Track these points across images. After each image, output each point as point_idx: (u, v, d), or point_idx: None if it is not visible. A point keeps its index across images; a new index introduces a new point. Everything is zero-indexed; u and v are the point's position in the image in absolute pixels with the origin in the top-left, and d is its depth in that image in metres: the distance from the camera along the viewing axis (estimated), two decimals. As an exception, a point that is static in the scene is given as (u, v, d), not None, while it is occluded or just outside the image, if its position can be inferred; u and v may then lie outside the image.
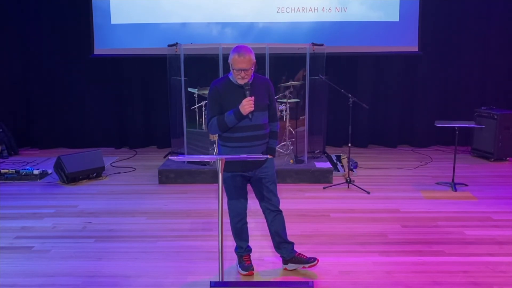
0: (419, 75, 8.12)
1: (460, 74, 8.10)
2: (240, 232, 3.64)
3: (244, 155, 3.28)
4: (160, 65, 7.40)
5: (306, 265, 3.64)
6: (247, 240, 3.69)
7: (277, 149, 3.90)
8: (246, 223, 3.66)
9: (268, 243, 4.12)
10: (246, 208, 3.62)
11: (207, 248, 4.09)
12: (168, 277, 3.60)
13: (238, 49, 3.30)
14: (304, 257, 3.65)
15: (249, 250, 3.70)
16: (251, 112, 3.29)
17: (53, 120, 8.24)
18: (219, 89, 3.39)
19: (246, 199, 3.61)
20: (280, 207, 3.61)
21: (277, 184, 3.63)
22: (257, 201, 3.63)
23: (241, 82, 3.34)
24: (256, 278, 3.59)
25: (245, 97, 3.29)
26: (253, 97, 3.30)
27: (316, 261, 3.63)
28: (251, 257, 3.71)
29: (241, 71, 3.28)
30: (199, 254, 3.99)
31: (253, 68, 3.35)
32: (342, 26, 7.77)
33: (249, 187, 3.60)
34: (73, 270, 3.72)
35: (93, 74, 8.17)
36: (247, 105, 3.26)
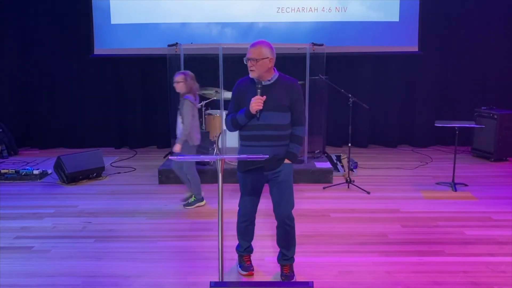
0: (419, 75, 8.13)
1: (460, 74, 8.10)
2: (243, 232, 3.62)
3: (253, 154, 3.24)
4: (160, 65, 7.41)
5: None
6: (248, 241, 3.67)
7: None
8: (252, 224, 3.60)
9: (269, 243, 4.12)
10: (254, 210, 3.55)
11: (207, 248, 4.09)
12: (168, 277, 3.60)
13: (254, 41, 3.32)
14: (285, 272, 3.54)
15: (249, 250, 3.69)
16: (259, 111, 3.25)
17: (53, 120, 8.24)
18: (240, 86, 3.39)
19: (256, 201, 3.53)
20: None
21: None
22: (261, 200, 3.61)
23: (251, 75, 3.30)
24: (256, 278, 3.59)
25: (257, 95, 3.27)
26: (264, 96, 3.24)
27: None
28: (252, 257, 3.70)
29: (249, 60, 3.27)
30: (199, 254, 3.99)
31: (265, 62, 3.24)
32: (342, 26, 7.77)
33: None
34: (73, 270, 3.72)
35: (93, 74, 8.17)
36: (254, 103, 3.22)
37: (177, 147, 4.91)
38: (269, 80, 3.33)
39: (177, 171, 5.21)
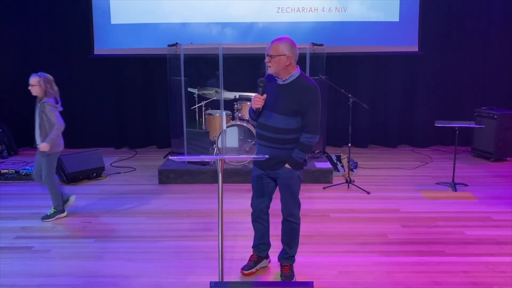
0: (419, 75, 8.12)
1: (460, 74, 8.10)
2: (254, 227, 3.64)
3: (257, 152, 3.37)
4: (160, 65, 7.40)
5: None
6: (257, 237, 3.66)
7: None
8: (256, 221, 3.60)
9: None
10: (258, 207, 3.55)
11: (207, 248, 4.09)
12: (168, 277, 3.60)
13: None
14: (285, 272, 3.54)
15: (256, 248, 3.67)
16: (258, 109, 3.28)
17: (53, 120, 8.23)
18: (265, 81, 3.38)
19: (259, 197, 3.53)
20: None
21: None
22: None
23: (268, 71, 3.31)
24: (256, 278, 3.59)
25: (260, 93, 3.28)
26: (264, 95, 3.25)
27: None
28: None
29: (266, 56, 3.26)
30: (199, 254, 3.99)
31: (281, 59, 3.20)
32: (342, 26, 7.77)
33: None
34: (73, 270, 3.72)
35: (93, 74, 8.16)
36: (252, 101, 3.29)
37: (45, 146, 4.59)
38: (284, 80, 3.29)
39: (36, 179, 4.87)
